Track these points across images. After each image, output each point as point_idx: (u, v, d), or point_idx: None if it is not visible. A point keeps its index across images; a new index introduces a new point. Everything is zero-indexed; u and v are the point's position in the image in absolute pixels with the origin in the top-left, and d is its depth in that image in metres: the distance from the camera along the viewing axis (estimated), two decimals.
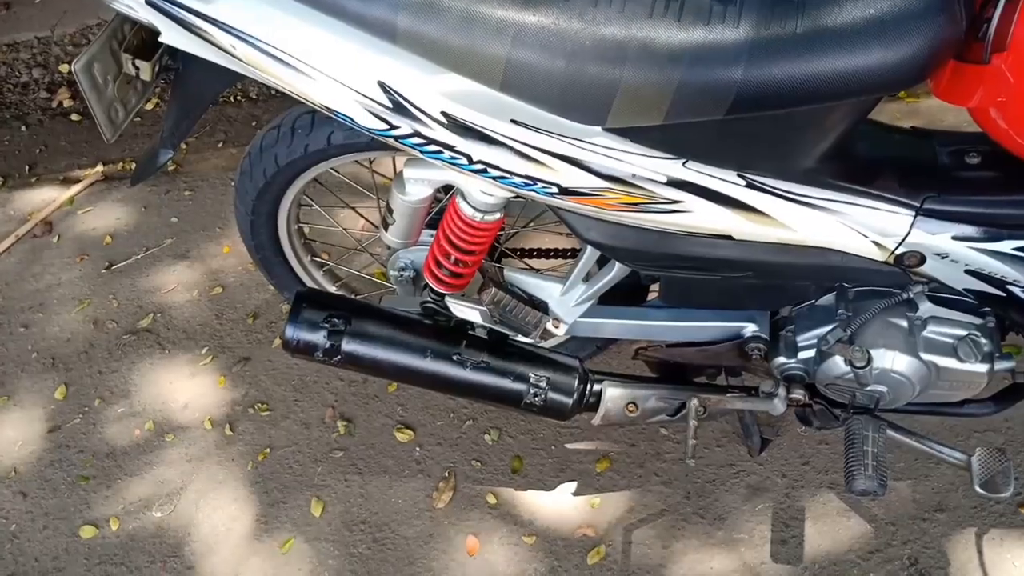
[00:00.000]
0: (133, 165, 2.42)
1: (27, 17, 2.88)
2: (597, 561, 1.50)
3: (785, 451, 1.59)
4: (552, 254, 1.52)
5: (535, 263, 1.54)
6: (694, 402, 1.24)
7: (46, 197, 2.35)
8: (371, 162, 1.40)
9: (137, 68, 1.10)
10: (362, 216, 1.65)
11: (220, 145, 2.42)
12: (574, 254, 1.52)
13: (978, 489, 1.22)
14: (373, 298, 1.69)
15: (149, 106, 2.63)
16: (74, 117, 2.66)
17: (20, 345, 2.00)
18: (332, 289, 1.63)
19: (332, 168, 1.32)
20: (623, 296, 1.35)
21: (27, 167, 2.51)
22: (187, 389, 1.86)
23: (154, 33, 1.06)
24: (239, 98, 2.60)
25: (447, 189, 1.31)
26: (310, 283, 1.59)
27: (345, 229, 1.59)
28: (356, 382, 1.81)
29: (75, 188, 2.35)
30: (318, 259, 1.59)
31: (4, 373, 1.95)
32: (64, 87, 2.75)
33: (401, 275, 1.42)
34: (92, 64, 1.07)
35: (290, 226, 1.46)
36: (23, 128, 2.66)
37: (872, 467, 1.19)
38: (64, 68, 2.78)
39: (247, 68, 0.98)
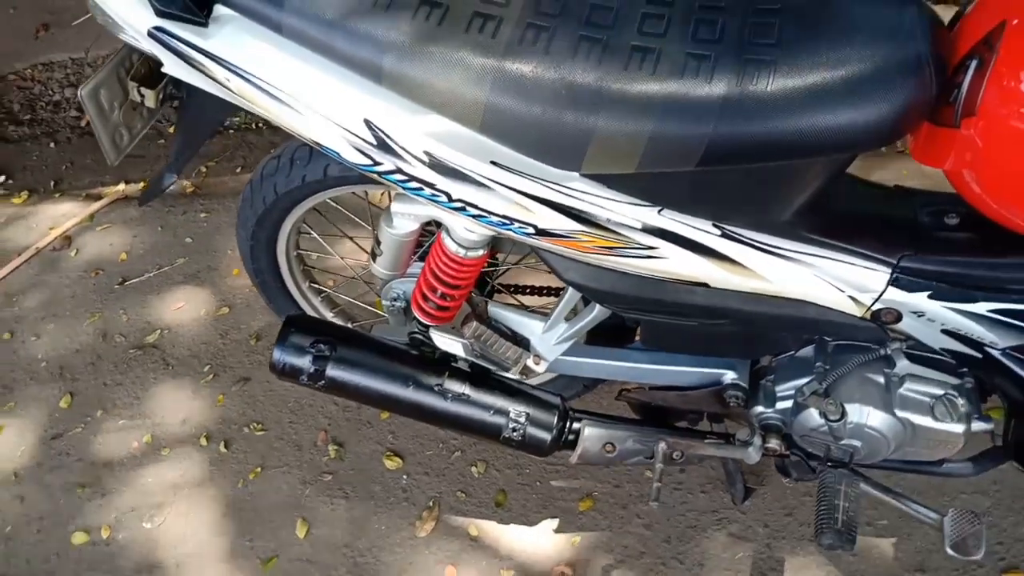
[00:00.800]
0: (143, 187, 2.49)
1: (63, 39, 3.00)
2: None
3: (769, 501, 1.59)
4: (544, 292, 1.54)
5: (526, 300, 1.56)
6: (662, 445, 1.25)
7: (67, 212, 2.43)
8: (367, 194, 1.43)
9: (142, 96, 1.15)
10: (359, 246, 1.68)
11: (239, 170, 2.48)
12: (559, 291, 1.55)
13: (949, 550, 1.21)
14: (367, 327, 1.72)
15: (171, 129, 2.71)
16: None
17: (31, 353, 2.05)
18: (330, 316, 1.67)
19: (329, 199, 1.36)
20: (610, 336, 1.37)
21: (52, 182, 2.59)
22: (187, 405, 1.90)
23: (159, 63, 1.12)
24: (260, 125, 2.67)
25: (439, 224, 1.34)
26: (308, 309, 1.63)
27: (342, 257, 1.63)
28: (351, 408, 1.84)
29: (96, 205, 2.43)
30: (316, 285, 1.63)
31: (14, 380, 2.00)
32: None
33: (393, 305, 1.44)
34: (99, 90, 1.12)
35: (289, 253, 1.50)
36: (52, 145, 2.75)
37: (842, 522, 1.19)
38: None
39: (241, 100, 1.02)
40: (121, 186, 2.51)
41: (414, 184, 1.02)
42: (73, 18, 3.02)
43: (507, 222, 1.03)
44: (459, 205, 1.03)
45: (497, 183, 1.00)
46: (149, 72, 1.16)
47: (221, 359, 1.97)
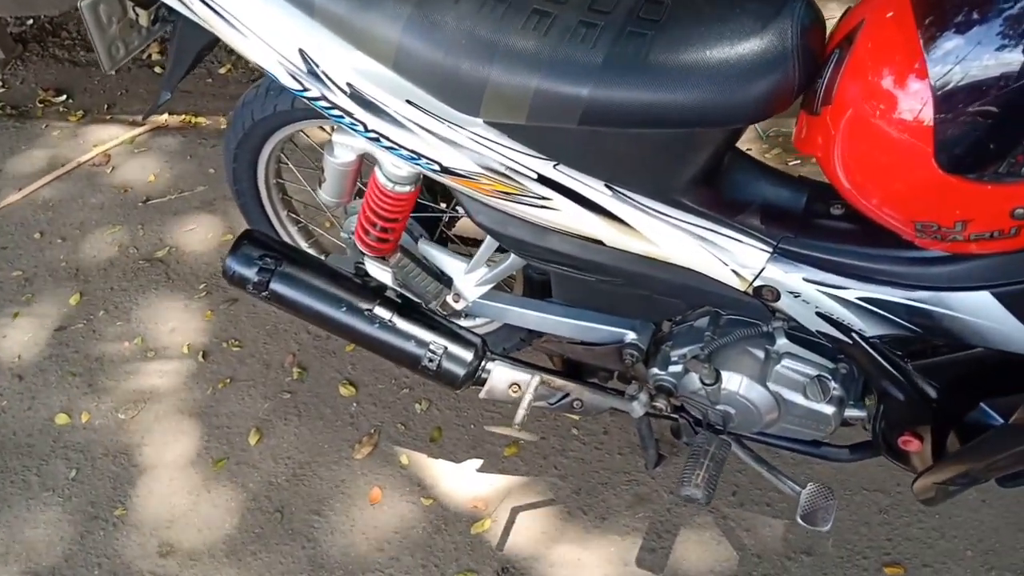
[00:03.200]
0: (194, 119, 2.69)
1: None
2: (479, 532, 1.62)
3: (679, 470, 1.67)
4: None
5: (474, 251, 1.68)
6: (536, 379, 1.36)
7: (113, 134, 2.64)
8: (333, 129, 1.57)
9: (137, 14, 1.32)
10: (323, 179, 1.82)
11: None
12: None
13: (799, 519, 1.29)
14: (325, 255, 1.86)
15: (223, 71, 2.91)
16: (157, 70, 2.96)
17: (54, 254, 2.26)
18: (304, 246, 1.82)
19: (302, 131, 1.51)
20: (539, 290, 1.48)
21: (106, 105, 2.81)
22: (178, 316, 2.08)
23: None
24: None
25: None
26: (284, 236, 1.78)
27: (314, 191, 1.77)
28: (320, 337, 1.99)
29: (138, 130, 2.64)
30: (294, 215, 1.78)
31: (35, 274, 2.22)
32: (156, 42, 3.06)
33: (350, 237, 1.58)
34: (98, 5, 1.29)
35: (268, 180, 1.65)
36: (113, 73, 2.97)
37: (703, 478, 1.28)
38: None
39: (206, 24, 1.17)
40: (165, 116, 2.71)
41: (336, 112, 1.15)
42: None
43: (415, 156, 1.16)
44: (374, 136, 1.15)
45: (410, 120, 1.12)
46: None
47: (216, 279, 2.15)
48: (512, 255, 1.35)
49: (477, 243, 1.66)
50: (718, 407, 1.31)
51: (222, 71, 2.91)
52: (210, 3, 1.13)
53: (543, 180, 1.14)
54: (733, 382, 1.27)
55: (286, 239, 1.79)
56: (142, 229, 2.30)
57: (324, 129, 1.52)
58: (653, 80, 1.00)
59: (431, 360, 1.41)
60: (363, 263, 1.48)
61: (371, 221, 1.37)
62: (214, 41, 1.34)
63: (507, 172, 1.14)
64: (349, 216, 1.58)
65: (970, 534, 1.53)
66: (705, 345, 1.28)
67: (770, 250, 1.15)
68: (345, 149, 1.29)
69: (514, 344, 1.73)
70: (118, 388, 1.94)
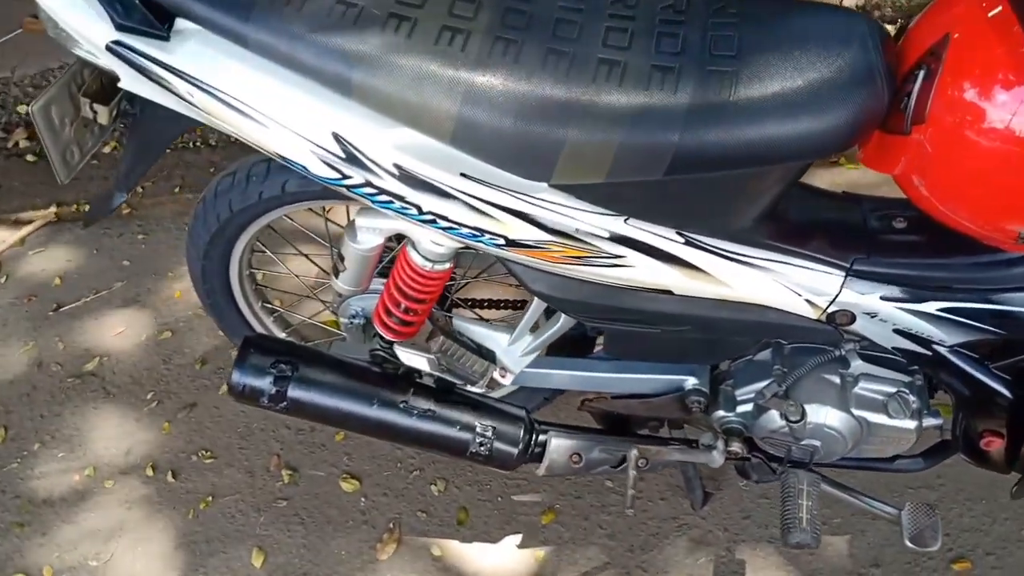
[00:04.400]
0: (87, 207, 2.41)
1: None
2: None
3: (727, 505, 1.62)
4: (502, 305, 1.55)
5: (485, 313, 1.56)
6: (634, 452, 1.27)
7: None
8: (325, 210, 1.42)
9: (95, 112, 1.12)
10: (314, 263, 1.66)
11: (176, 190, 2.42)
12: (523, 305, 1.56)
13: (908, 543, 1.25)
14: (323, 345, 1.69)
15: (106, 149, 2.63)
16: (30, 158, 2.64)
17: None
18: (282, 335, 1.64)
19: (286, 215, 1.34)
20: (571, 346, 1.39)
21: None
22: (130, 435, 1.83)
23: (113, 78, 1.09)
24: (198, 144, 2.61)
25: (399, 238, 1.34)
26: (260, 329, 1.59)
27: (297, 276, 1.60)
28: (304, 430, 1.80)
29: (27, 229, 2.33)
30: (269, 305, 1.60)
31: None
32: (21, 127, 2.73)
33: (351, 322, 1.43)
34: (50, 106, 1.09)
35: (242, 271, 1.47)
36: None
37: (807, 520, 1.22)
38: (22, 109, 2.77)
39: (204, 116, 1.01)
40: (52, 209, 2.41)
41: (384, 198, 1.01)
42: None
43: (478, 234, 1.04)
44: (429, 218, 1.02)
45: (467, 195, 1.00)
46: (101, 87, 1.13)
47: (165, 385, 1.91)
48: (562, 318, 1.24)
49: (482, 304, 1.55)
50: (802, 442, 1.25)
51: (106, 150, 2.63)
52: (217, 93, 0.96)
53: (615, 238, 1.05)
54: (819, 414, 1.22)
55: (262, 332, 1.60)
56: (60, 341, 2.02)
57: (314, 210, 1.36)
58: (745, 117, 0.93)
59: (482, 444, 1.29)
60: (379, 350, 1.33)
61: (396, 302, 1.23)
62: (185, 130, 1.17)
63: (577, 235, 1.04)
64: (344, 300, 1.42)
65: (1020, 514, 1.55)
66: (780, 380, 1.22)
67: (843, 274, 1.11)
68: (371, 233, 1.15)
69: (536, 404, 1.62)
70: (80, 531, 1.68)
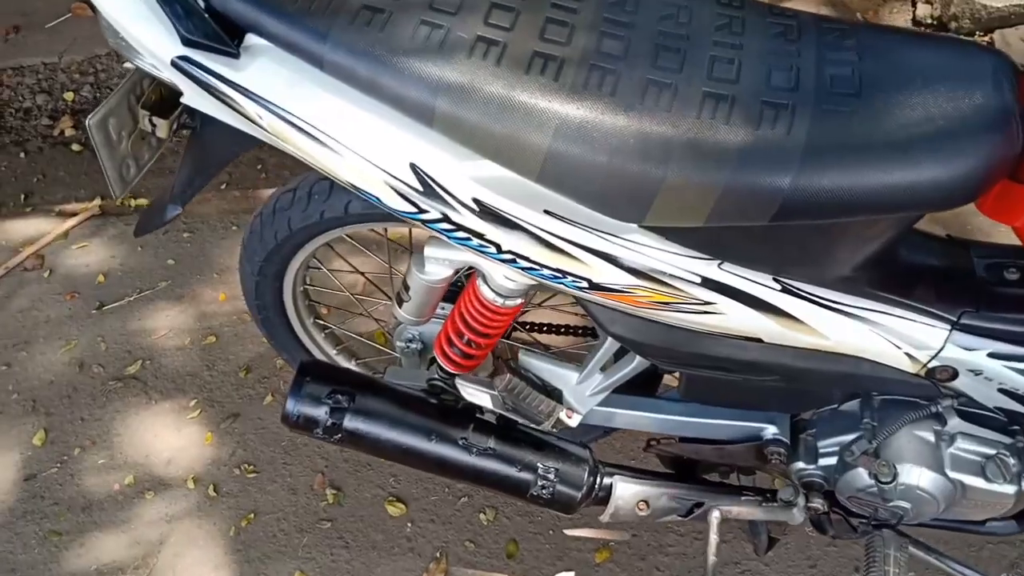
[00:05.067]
0: (133, 202, 2.37)
1: (35, 42, 2.85)
2: None
3: (792, 552, 1.53)
4: (563, 331, 1.47)
5: (547, 339, 1.49)
6: (715, 515, 1.19)
7: (40, 229, 2.29)
8: (386, 230, 1.35)
9: (154, 125, 1.06)
10: (372, 283, 1.60)
11: (223, 187, 2.37)
12: (585, 332, 1.48)
13: None
14: (376, 363, 1.63)
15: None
16: (75, 147, 2.60)
17: (1, 385, 1.92)
18: (333, 352, 1.58)
19: (346, 234, 1.28)
20: (635, 384, 1.30)
21: (23, 196, 2.45)
22: (172, 443, 1.78)
23: (173, 90, 1.03)
24: None
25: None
26: (310, 345, 1.53)
27: (353, 295, 1.54)
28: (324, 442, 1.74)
29: (71, 222, 2.29)
30: (321, 321, 1.54)
31: None
32: (67, 115, 2.70)
33: (408, 347, 1.36)
34: (108, 119, 1.02)
35: (296, 288, 1.41)
36: (22, 155, 2.60)
37: None
38: (69, 96, 2.74)
39: (271, 137, 0.94)
40: (97, 201, 2.37)
41: (461, 234, 0.94)
42: (46, 20, 2.87)
43: (559, 275, 0.96)
44: (509, 257, 0.95)
45: (551, 233, 0.93)
46: (160, 99, 1.07)
47: (208, 393, 1.86)
48: (636, 358, 1.16)
49: (541, 330, 1.47)
50: (890, 503, 1.16)
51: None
52: (287, 116, 0.89)
53: (707, 283, 0.97)
54: (912, 475, 1.13)
55: (313, 349, 1.54)
56: (103, 342, 1.98)
57: (376, 231, 1.29)
58: (864, 162, 0.84)
59: (544, 487, 1.21)
60: (438, 379, 1.26)
61: (459, 333, 1.16)
62: (249, 148, 1.10)
63: (666, 279, 0.96)
64: (400, 323, 1.36)
65: None
66: (870, 436, 1.13)
67: (949, 328, 1.02)
68: (441, 265, 1.08)
69: (592, 438, 1.54)
70: (118, 542, 1.64)
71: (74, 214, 2.34)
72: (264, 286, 1.37)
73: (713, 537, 1.18)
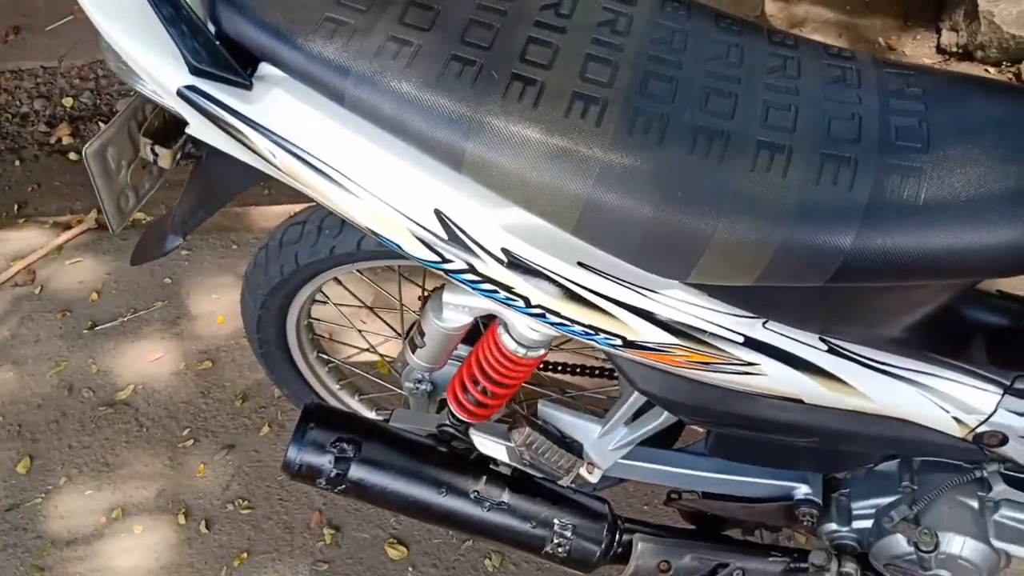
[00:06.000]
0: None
1: (35, 44, 2.77)
2: None
3: None
4: (574, 370, 1.40)
5: (560, 377, 1.42)
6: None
7: (33, 242, 2.21)
8: (399, 267, 1.28)
9: (156, 155, 0.99)
10: (380, 318, 1.52)
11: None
12: (601, 373, 1.41)
13: None
14: (381, 399, 1.56)
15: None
16: (72, 156, 2.53)
17: None
18: (336, 388, 1.50)
19: (358, 270, 1.20)
20: (655, 436, 1.23)
21: (16, 206, 2.37)
22: (163, 475, 1.70)
23: (177, 118, 0.95)
24: None
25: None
26: (313, 380, 1.46)
27: (360, 331, 1.47)
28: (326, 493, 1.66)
29: (65, 235, 2.21)
30: (324, 356, 1.46)
31: None
32: (66, 122, 2.63)
33: (417, 388, 1.29)
34: (106, 148, 0.95)
35: (299, 322, 1.34)
36: (17, 162, 2.52)
37: None
38: (68, 102, 2.67)
39: (283, 175, 0.87)
40: (93, 214, 2.29)
41: (488, 286, 0.86)
42: (47, 22, 2.80)
43: (591, 332, 0.89)
44: (538, 312, 0.88)
45: (585, 288, 0.85)
46: (163, 125, 1.00)
47: (202, 422, 1.78)
48: (663, 414, 1.09)
49: (554, 369, 1.40)
50: (929, 572, 1.09)
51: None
52: (302, 154, 0.82)
53: (750, 343, 0.90)
54: (954, 544, 1.06)
55: (314, 383, 1.46)
56: (94, 364, 1.90)
57: (392, 268, 1.22)
58: (932, 224, 0.77)
59: (560, 545, 1.14)
60: (448, 426, 1.19)
61: (474, 380, 1.09)
62: (257, 182, 1.03)
63: (707, 339, 0.89)
64: (407, 364, 1.28)
65: None
66: (910, 501, 1.07)
67: (1001, 392, 0.96)
68: (460, 311, 1.01)
69: (607, 484, 1.46)
70: None
71: (69, 227, 2.26)
72: (267, 320, 1.29)
73: None
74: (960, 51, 2.49)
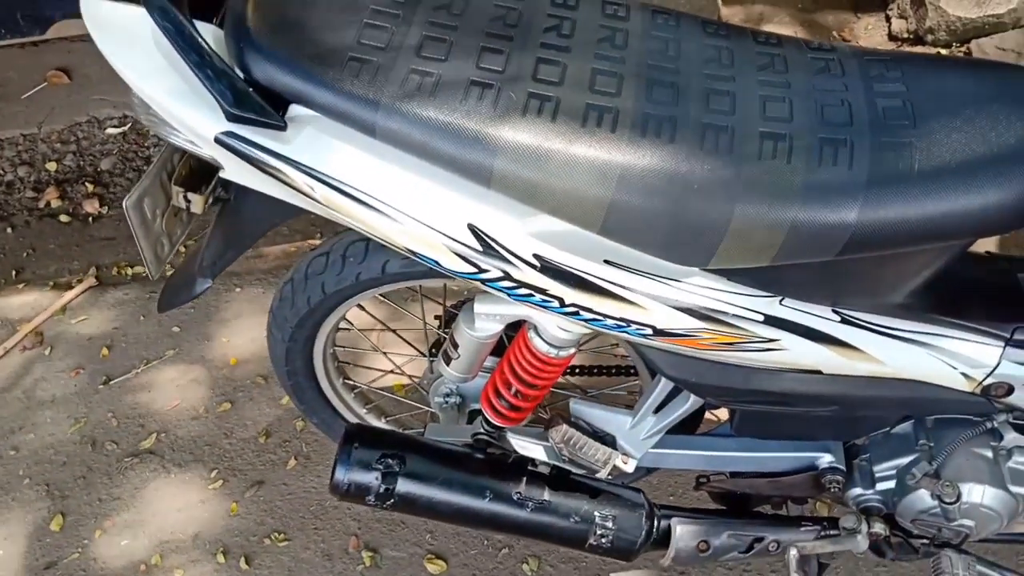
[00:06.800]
0: (130, 270, 2.32)
1: (12, 113, 2.80)
2: None
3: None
4: (596, 372, 1.46)
5: (579, 380, 1.48)
6: (793, 553, 1.17)
7: (36, 305, 2.23)
8: (420, 287, 1.33)
9: (188, 201, 1.04)
10: (403, 339, 1.57)
11: None
12: (617, 371, 1.47)
13: None
14: (406, 419, 1.61)
15: None
16: (63, 218, 2.55)
17: (11, 470, 1.85)
18: (363, 412, 1.55)
19: (380, 294, 1.26)
20: (680, 423, 1.29)
21: (13, 272, 2.39)
22: (196, 517, 1.73)
23: (202, 162, 1.01)
24: None
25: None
26: (340, 406, 1.50)
27: (386, 353, 1.51)
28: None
29: (68, 295, 2.24)
30: (350, 382, 1.51)
31: None
32: (52, 186, 2.65)
33: (446, 401, 1.34)
34: (143, 199, 1.00)
35: (326, 351, 1.38)
36: (8, 230, 2.55)
37: None
38: (51, 166, 2.70)
39: (323, 208, 0.92)
40: (92, 272, 2.32)
41: (523, 291, 0.92)
42: (21, 90, 2.83)
43: (623, 324, 0.95)
44: (572, 310, 0.94)
45: (612, 283, 0.91)
46: (191, 173, 1.05)
47: (229, 462, 1.82)
48: (690, 399, 1.15)
49: (574, 372, 1.45)
50: (954, 523, 1.15)
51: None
52: (341, 187, 0.88)
53: (769, 320, 0.96)
54: (975, 494, 1.12)
55: (342, 409, 1.51)
56: (114, 417, 1.93)
57: (413, 289, 1.27)
58: (928, 192, 0.84)
59: (602, 536, 1.19)
60: (483, 434, 1.24)
61: (507, 385, 1.14)
62: (288, 219, 1.08)
63: (730, 320, 0.95)
64: (435, 378, 1.34)
65: None
66: (929, 457, 1.13)
67: (1003, 344, 1.03)
68: (491, 320, 1.06)
69: (636, 477, 1.52)
70: None
71: (69, 286, 2.29)
72: (295, 352, 1.34)
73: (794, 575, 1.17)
74: (911, 36, 2.60)
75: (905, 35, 2.61)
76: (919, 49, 2.58)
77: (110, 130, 2.75)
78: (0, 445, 1.90)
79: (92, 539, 1.72)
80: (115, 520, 1.74)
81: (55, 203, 2.62)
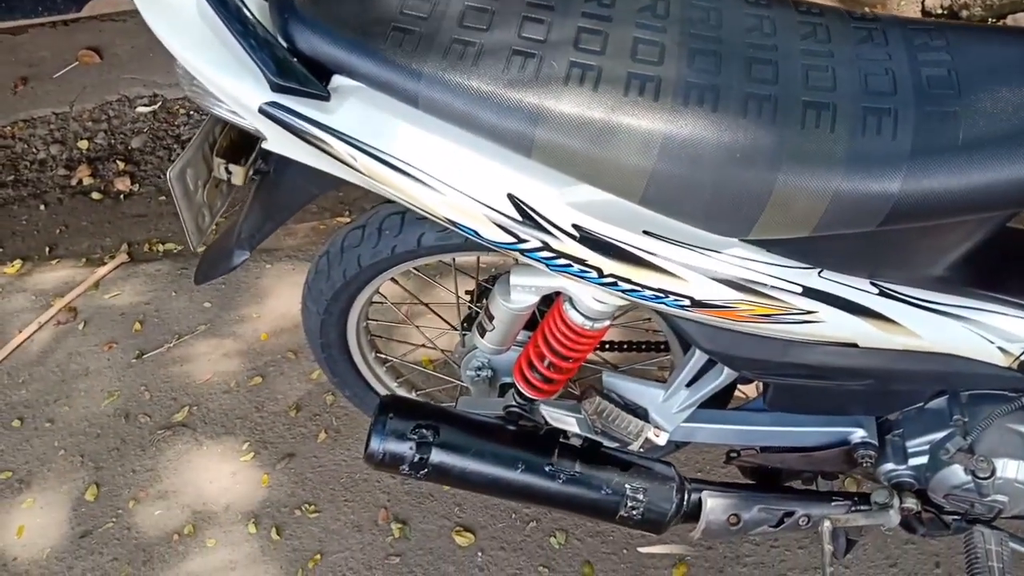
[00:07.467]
0: (161, 247, 2.35)
1: (44, 92, 2.84)
2: None
3: (871, 552, 1.52)
4: (627, 347, 1.46)
5: (611, 356, 1.48)
6: (827, 525, 1.18)
7: (69, 280, 2.27)
8: (454, 260, 1.34)
9: (230, 173, 1.05)
10: (436, 313, 1.58)
11: None
12: (648, 346, 1.47)
13: None
14: (436, 393, 1.62)
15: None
16: (95, 196, 2.59)
17: (46, 442, 1.89)
18: (394, 385, 1.56)
19: (414, 267, 1.27)
20: (712, 397, 1.30)
21: (47, 248, 2.43)
22: (228, 488, 1.76)
23: (243, 134, 1.02)
24: None
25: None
26: (372, 379, 1.52)
27: (418, 326, 1.53)
28: (409, 479, 1.72)
29: (101, 271, 2.27)
30: (381, 355, 1.52)
31: (29, 473, 1.84)
32: (84, 164, 2.68)
33: (478, 375, 1.35)
34: (186, 170, 1.02)
35: (359, 324, 1.39)
36: (42, 207, 2.58)
37: None
38: (83, 144, 2.73)
39: (364, 179, 0.93)
40: (124, 248, 2.35)
41: (562, 261, 0.93)
42: (53, 70, 2.86)
43: (661, 295, 0.95)
44: (611, 280, 0.94)
45: (651, 254, 0.92)
46: (232, 145, 1.06)
47: (260, 435, 1.84)
48: (723, 372, 1.16)
49: (607, 347, 1.46)
50: (987, 499, 1.15)
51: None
52: (383, 156, 0.88)
53: (808, 292, 0.96)
54: (1009, 469, 1.12)
55: (374, 383, 1.52)
56: (147, 391, 1.96)
57: (444, 261, 1.28)
58: (973, 162, 0.84)
59: (633, 508, 1.20)
60: (515, 407, 1.25)
61: (541, 357, 1.15)
62: (327, 191, 1.09)
63: (768, 292, 0.95)
64: (467, 351, 1.35)
65: None
66: (963, 432, 1.13)
67: None
68: (527, 292, 1.07)
69: (664, 452, 1.53)
70: None
71: (102, 262, 2.32)
72: (329, 324, 1.35)
73: (827, 547, 1.17)
74: (945, 11, 2.56)
75: (939, 11, 2.57)
76: None
77: (141, 109, 2.78)
78: (36, 417, 1.94)
79: (126, 509, 1.75)
80: (148, 491, 1.77)
81: (87, 181, 2.65)
